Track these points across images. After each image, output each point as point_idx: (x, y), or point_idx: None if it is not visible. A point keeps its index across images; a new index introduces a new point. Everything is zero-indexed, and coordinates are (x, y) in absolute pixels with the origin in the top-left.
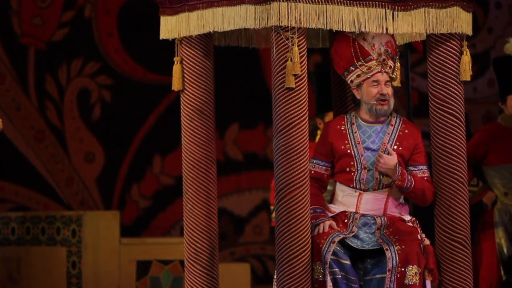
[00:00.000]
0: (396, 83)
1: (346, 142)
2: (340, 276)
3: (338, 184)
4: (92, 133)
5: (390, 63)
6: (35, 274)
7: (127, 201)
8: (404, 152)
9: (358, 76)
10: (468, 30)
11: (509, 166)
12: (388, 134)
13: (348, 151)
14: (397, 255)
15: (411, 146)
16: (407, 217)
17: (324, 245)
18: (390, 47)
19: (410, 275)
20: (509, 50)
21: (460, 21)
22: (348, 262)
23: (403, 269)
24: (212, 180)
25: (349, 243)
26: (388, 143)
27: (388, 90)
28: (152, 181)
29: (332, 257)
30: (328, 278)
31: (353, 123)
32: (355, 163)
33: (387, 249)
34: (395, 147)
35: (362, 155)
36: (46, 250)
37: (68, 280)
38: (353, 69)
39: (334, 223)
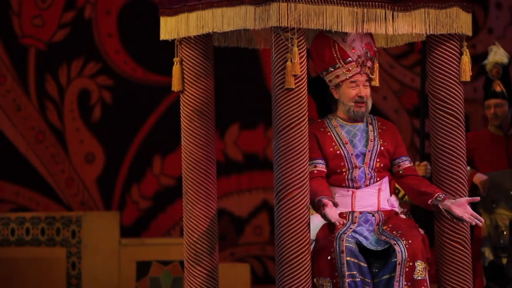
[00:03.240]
0: (375, 83)
1: (333, 144)
2: (359, 279)
3: (329, 187)
4: (92, 134)
5: (369, 63)
6: (35, 275)
7: (127, 202)
8: (390, 148)
9: (337, 76)
10: (468, 31)
11: (496, 173)
12: (371, 131)
13: (338, 152)
14: (405, 249)
15: (393, 141)
16: (399, 209)
17: (336, 261)
18: (370, 48)
19: (419, 270)
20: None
21: (460, 21)
22: (365, 264)
23: (411, 264)
24: (212, 181)
25: (363, 244)
26: (373, 141)
27: (367, 92)
28: (152, 182)
29: (352, 259)
30: (346, 281)
31: (336, 125)
32: (346, 163)
33: (395, 244)
34: (381, 141)
35: (352, 154)
36: (46, 251)
37: (68, 281)
38: (332, 70)
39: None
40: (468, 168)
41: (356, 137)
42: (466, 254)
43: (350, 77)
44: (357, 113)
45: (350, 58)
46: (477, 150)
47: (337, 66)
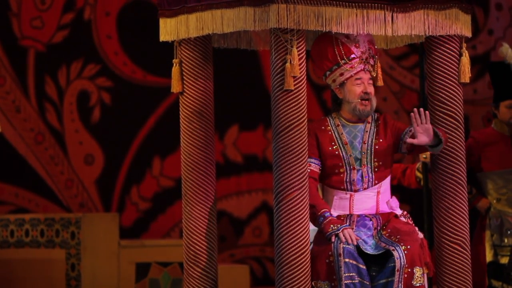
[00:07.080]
0: (379, 83)
1: (333, 143)
2: (357, 281)
3: (327, 189)
4: (91, 135)
5: (371, 61)
6: (34, 276)
7: (127, 203)
8: (389, 141)
9: (341, 74)
10: (467, 32)
11: (501, 172)
12: (367, 131)
13: (336, 152)
14: (404, 255)
15: (388, 132)
16: (399, 211)
17: (335, 264)
18: (372, 46)
19: (417, 277)
20: (504, 53)
21: (459, 23)
22: (364, 267)
23: (409, 270)
24: (212, 182)
25: (361, 247)
26: (367, 141)
27: (371, 89)
28: (151, 183)
29: (350, 260)
30: (344, 283)
31: (338, 125)
32: (344, 164)
33: (393, 250)
34: (380, 140)
35: (350, 155)
36: (45, 252)
37: (67, 283)
38: (336, 67)
39: (351, 231)
40: (474, 191)
41: (356, 139)
42: (465, 256)
43: (355, 73)
44: (362, 112)
45: (354, 55)
46: (484, 149)
47: (341, 63)
